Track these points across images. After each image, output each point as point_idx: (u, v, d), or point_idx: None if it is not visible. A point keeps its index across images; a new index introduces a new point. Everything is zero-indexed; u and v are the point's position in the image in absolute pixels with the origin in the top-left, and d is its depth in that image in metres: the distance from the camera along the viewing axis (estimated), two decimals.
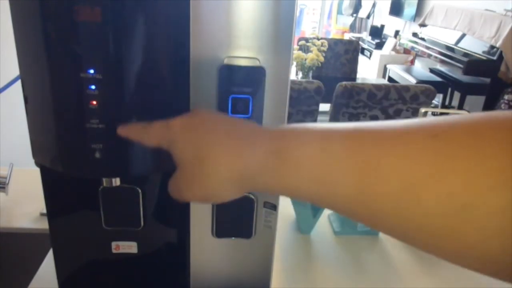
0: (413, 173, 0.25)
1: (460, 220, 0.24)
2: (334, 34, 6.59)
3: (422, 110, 0.71)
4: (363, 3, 6.19)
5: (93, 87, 0.36)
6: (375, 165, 0.27)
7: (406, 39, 4.46)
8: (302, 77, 2.62)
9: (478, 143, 0.24)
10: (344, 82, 1.87)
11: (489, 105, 3.17)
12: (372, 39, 5.44)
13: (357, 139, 0.29)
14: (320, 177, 0.29)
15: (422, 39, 4.10)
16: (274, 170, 0.32)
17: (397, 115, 1.94)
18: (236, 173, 0.33)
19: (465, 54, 3.35)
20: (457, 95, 3.76)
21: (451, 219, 0.24)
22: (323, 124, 0.32)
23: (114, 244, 0.52)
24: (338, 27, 6.71)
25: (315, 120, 1.96)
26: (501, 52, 3.00)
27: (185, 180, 0.36)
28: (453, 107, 3.91)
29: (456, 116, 0.27)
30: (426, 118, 0.28)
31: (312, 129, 0.31)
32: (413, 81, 3.83)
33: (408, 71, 4.24)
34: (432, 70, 4.18)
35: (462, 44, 3.49)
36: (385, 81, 3.81)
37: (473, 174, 0.23)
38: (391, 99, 1.88)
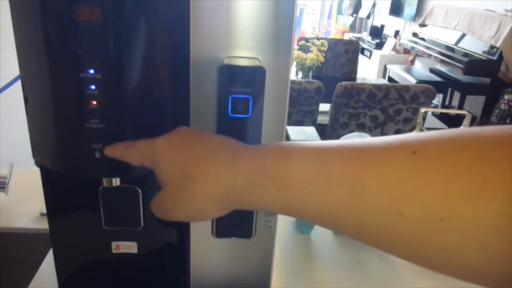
0: (395, 188, 0.27)
1: (441, 231, 0.25)
2: (334, 34, 6.60)
3: (422, 110, 0.71)
4: (363, 3, 6.18)
5: (93, 87, 0.36)
6: (361, 181, 0.28)
7: (406, 39, 4.46)
8: (302, 77, 2.62)
9: (455, 158, 0.25)
10: (344, 82, 1.87)
11: (489, 105, 3.17)
12: (372, 39, 5.44)
13: (342, 156, 0.30)
14: (308, 194, 0.30)
15: (422, 39, 4.10)
16: (260, 188, 0.32)
17: (397, 115, 1.94)
18: (222, 192, 0.34)
19: (465, 54, 3.35)
20: (457, 95, 3.77)
21: (432, 230, 0.25)
22: (310, 143, 0.32)
23: (114, 244, 0.52)
24: (338, 27, 6.71)
25: (315, 120, 1.96)
26: (501, 52, 3.00)
27: (170, 200, 0.36)
28: (453, 107, 3.91)
29: (434, 132, 0.28)
30: (407, 135, 0.30)
31: (299, 147, 0.32)
32: (413, 81, 3.83)
33: (408, 71, 4.24)
34: (432, 70, 4.18)
35: (462, 44, 3.49)
36: (385, 81, 3.81)
37: (450, 187, 0.25)
38: (391, 99, 1.88)
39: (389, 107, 1.91)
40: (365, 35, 5.81)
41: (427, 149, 0.27)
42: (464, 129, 0.27)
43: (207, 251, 0.52)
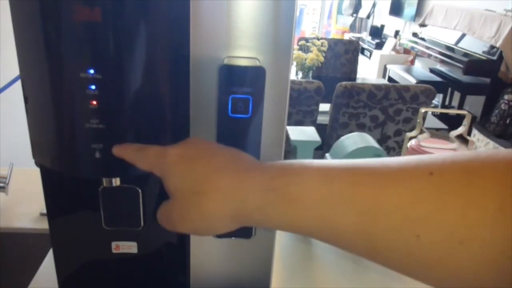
0: (412, 209, 0.27)
1: (458, 253, 0.25)
2: (334, 34, 6.60)
3: (422, 110, 0.71)
4: (363, 3, 6.19)
5: (93, 87, 0.36)
6: (376, 202, 0.28)
7: (406, 39, 4.46)
8: (302, 77, 2.62)
9: (473, 181, 0.25)
10: (344, 82, 1.87)
11: (489, 105, 3.17)
12: (372, 39, 5.44)
13: (357, 177, 0.30)
14: (321, 214, 0.30)
15: (422, 39, 4.10)
16: (273, 206, 0.32)
17: (397, 115, 1.94)
18: (232, 208, 0.33)
19: (465, 54, 3.35)
20: (457, 95, 3.77)
21: (449, 252, 0.26)
22: (320, 161, 0.32)
23: (114, 244, 0.52)
24: (338, 27, 6.71)
25: (315, 120, 1.96)
26: (501, 52, 3.00)
27: (178, 212, 0.36)
28: (453, 107, 3.91)
29: (449, 154, 0.28)
30: (422, 156, 0.29)
31: (311, 166, 0.32)
32: (413, 81, 3.83)
33: (408, 71, 4.25)
34: (432, 70, 4.18)
35: (462, 44, 3.49)
36: (385, 81, 3.81)
37: (467, 210, 0.25)
38: (391, 99, 1.88)
39: (389, 107, 1.91)
40: (365, 35, 5.81)
41: (443, 171, 0.27)
42: (480, 152, 0.27)
43: (207, 251, 0.51)
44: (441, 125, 2.47)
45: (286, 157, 0.48)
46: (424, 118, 0.72)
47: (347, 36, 6.17)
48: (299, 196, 0.31)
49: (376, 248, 0.29)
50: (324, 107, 2.16)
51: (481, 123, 3.20)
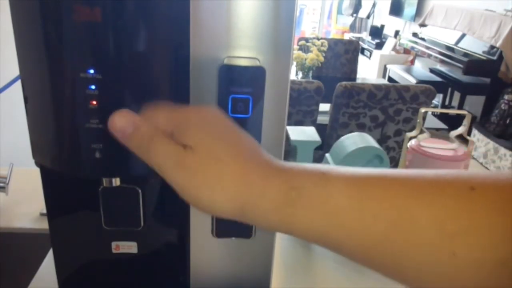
0: (450, 224, 0.25)
1: (496, 274, 0.24)
2: (334, 34, 6.60)
3: (422, 110, 0.71)
4: (363, 3, 6.19)
5: (93, 87, 0.36)
6: (409, 215, 0.26)
7: (406, 39, 4.47)
8: (302, 77, 2.62)
9: None
10: (344, 82, 1.87)
11: (489, 105, 3.17)
12: (372, 39, 5.44)
13: (388, 184, 0.27)
14: (343, 221, 0.27)
15: (422, 39, 4.10)
16: (291, 207, 0.28)
17: (397, 115, 1.94)
18: (244, 198, 0.30)
19: (465, 54, 3.35)
20: (457, 95, 3.77)
21: (486, 273, 0.24)
22: (346, 168, 0.29)
23: (114, 244, 0.52)
24: (338, 27, 6.71)
25: (315, 120, 1.96)
26: (501, 52, 3.00)
27: (189, 164, 0.30)
28: (453, 107, 3.91)
29: (490, 171, 0.27)
30: (460, 171, 0.28)
31: (337, 170, 0.29)
32: (413, 81, 3.83)
33: (408, 71, 4.25)
34: (432, 70, 4.18)
35: (462, 44, 3.49)
36: (385, 81, 3.81)
37: (509, 229, 0.23)
38: (391, 99, 1.88)
39: (389, 107, 1.91)
40: (365, 35, 5.81)
41: (486, 187, 0.25)
42: None
43: (207, 251, 0.51)
44: (441, 125, 2.47)
45: (286, 157, 0.48)
46: (424, 118, 0.72)
47: (347, 36, 6.17)
48: (325, 200, 0.28)
49: (402, 264, 0.26)
50: (324, 107, 2.16)
51: (481, 123, 3.20)
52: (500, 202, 0.24)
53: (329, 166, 0.30)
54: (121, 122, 0.31)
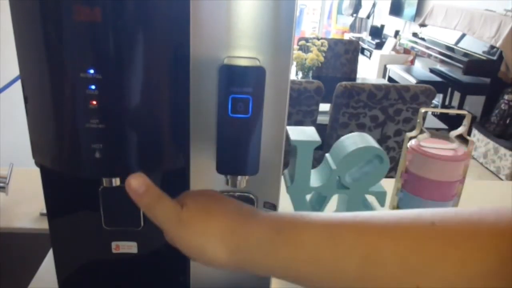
0: (412, 260, 0.27)
1: None
2: (334, 34, 6.60)
3: (422, 110, 0.71)
4: (363, 3, 6.19)
5: (93, 87, 0.36)
6: (377, 249, 0.28)
7: (406, 39, 4.47)
8: (302, 77, 2.62)
9: (474, 233, 0.26)
10: (344, 82, 1.87)
11: (489, 105, 3.17)
12: (372, 39, 5.44)
13: (358, 224, 0.30)
14: (318, 258, 0.30)
15: (422, 39, 4.11)
16: (274, 245, 0.32)
17: (397, 115, 1.94)
18: (234, 240, 0.34)
19: (465, 54, 3.35)
20: (457, 95, 3.77)
21: None
22: (322, 214, 0.33)
23: (114, 244, 0.52)
24: (338, 27, 6.71)
25: (315, 120, 1.96)
26: (501, 52, 3.00)
27: (183, 220, 0.37)
28: (453, 107, 3.91)
29: (451, 208, 0.29)
30: (425, 209, 0.30)
31: (313, 214, 0.33)
32: (413, 81, 3.83)
33: (408, 71, 4.25)
34: (432, 70, 4.18)
35: (462, 44, 3.49)
36: (385, 81, 3.81)
37: (468, 262, 0.25)
38: (391, 99, 1.88)
39: (389, 107, 1.91)
40: (365, 35, 5.82)
41: (445, 222, 0.27)
42: (483, 206, 0.27)
43: None
44: (441, 125, 2.48)
45: (286, 157, 0.49)
46: (424, 118, 0.72)
47: (347, 36, 6.17)
48: (302, 237, 0.31)
49: None
50: (324, 107, 2.16)
51: (481, 123, 3.20)
52: (456, 236, 0.26)
53: (306, 212, 0.34)
54: (136, 183, 0.36)
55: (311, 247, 0.31)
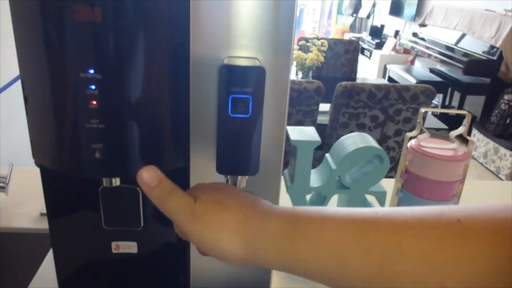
0: (437, 258, 0.26)
1: None
2: (334, 34, 6.60)
3: (422, 110, 0.71)
4: (363, 3, 6.19)
5: (93, 87, 0.36)
6: (399, 246, 0.27)
7: (406, 39, 4.47)
8: (302, 77, 2.62)
9: (501, 230, 0.25)
10: (344, 82, 1.87)
11: (489, 105, 3.17)
12: (372, 39, 5.44)
13: (378, 221, 0.29)
14: (341, 256, 0.29)
15: (422, 39, 4.11)
16: (288, 238, 0.31)
17: (397, 115, 1.94)
18: (248, 233, 0.33)
19: (465, 54, 3.35)
20: (457, 95, 3.77)
21: None
22: (339, 209, 0.32)
23: (114, 244, 0.52)
24: (338, 27, 6.71)
25: (315, 120, 1.96)
26: (501, 52, 3.00)
27: (197, 213, 0.35)
28: (453, 107, 3.91)
29: (476, 204, 0.27)
30: (448, 206, 0.28)
31: (330, 208, 0.32)
32: (413, 81, 3.83)
33: (408, 71, 4.25)
34: (432, 70, 4.18)
35: (462, 44, 3.49)
36: (385, 81, 3.81)
37: (494, 260, 0.24)
38: (391, 99, 1.88)
39: (389, 107, 1.91)
40: (365, 35, 5.81)
41: (471, 219, 0.26)
42: (507, 204, 0.26)
43: None
44: (441, 125, 2.48)
45: (286, 157, 0.49)
46: (424, 118, 0.72)
47: (347, 36, 6.17)
48: (320, 232, 0.30)
49: None
50: (324, 107, 2.16)
51: (481, 123, 3.20)
52: (484, 233, 0.25)
53: (322, 207, 0.33)
54: (147, 176, 0.36)
55: (330, 244, 0.29)
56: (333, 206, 0.79)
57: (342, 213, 0.31)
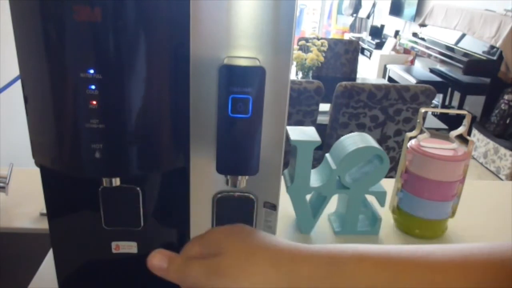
0: None
1: None
2: (334, 34, 6.60)
3: (422, 110, 0.71)
4: (363, 3, 6.19)
5: (93, 87, 0.36)
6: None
7: (406, 39, 4.47)
8: (302, 77, 2.62)
9: None
10: (344, 82, 1.87)
11: (489, 105, 3.17)
12: (372, 39, 5.44)
13: (418, 264, 0.29)
14: None
15: (422, 39, 4.11)
16: (330, 278, 0.30)
17: (397, 115, 1.94)
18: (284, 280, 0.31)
19: (465, 54, 3.35)
20: (457, 95, 3.77)
21: None
22: (371, 246, 0.31)
23: (114, 244, 0.52)
24: (338, 27, 6.71)
25: (315, 120, 1.96)
26: (501, 52, 3.01)
27: (225, 267, 0.33)
28: (453, 107, 3.92)
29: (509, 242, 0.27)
30: (483, 244, 0.28)
31: (367, 248, 0.31)
32: (413, 81, 3.83)
33: (408, 71, 4.25)
34: (432, 70, 4.18)
35: (462, 44, 3.49)
36: (385, 81, 3.81)
37: None
38: (391, 99, 1.88)
39: (389, 107, 1.91)
40: (365, 35, 5.81)
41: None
42: None
43: None
44: (441, 125, 2.48)
45: (286, 157, 0.48)
46: (424, 118, 0.72)
47: (347, 36, 6.17)
48: (360, 271, 0.29)
49: None
50: (324, 107, 2.16)
51: (481, 123, 3.20)
52: None
53: (353, 246, 0.32)
54: (157, 260, 0.35)
55: (370, 284, 0.29)
56: (333, 206, 0.79)
57: (378, 251, 0.30)
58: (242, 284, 0.31)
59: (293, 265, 0.31)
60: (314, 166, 0.69)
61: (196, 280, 0.33)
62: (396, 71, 4.36)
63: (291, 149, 0.66)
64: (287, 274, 0.31)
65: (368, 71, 5.11)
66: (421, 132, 0.73)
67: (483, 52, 3.23)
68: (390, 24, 5.33)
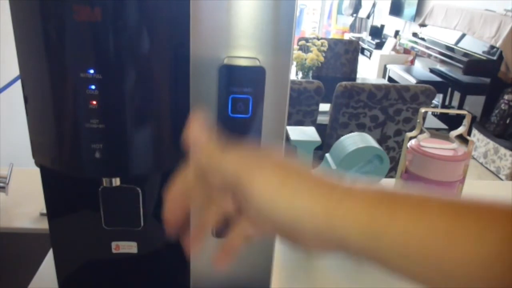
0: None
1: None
2: (334, 34, 6.60)
3: (422, 110, 0.71)
4: (363, 3, 6.19)
5: (93, 87, 0.36)
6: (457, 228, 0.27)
7: (406, 39, 4.47)
8: (302, 77, 2.62)
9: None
10: (344, 82, 1.87)
11: (489, 105, 3.17)
12: (372, 39, 5.44)
13: (439, 204, 0.29)
14: (410, 234, 0.28)
15: (422, 39, 4.11)
16: (386, 207, 0.30)
17: (397, 115, 1.94)
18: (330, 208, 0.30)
19: (465, 54, 3.35)
20: (457, 95, 3.77)
21: None
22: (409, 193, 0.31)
23: (114, 244, 0.52)
24: (338, 27, 6.71)
25: (315, 120, 1.96)
26: (501, 52, 3.01)
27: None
28: (453, 107, 3.92)
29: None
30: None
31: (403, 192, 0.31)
32: (413, 81, 3.83)
33: (408, 71, 4.25)
34: (432, 70, 4.18)
35: (462, 44, 3.49)
36: (385, 81, 3.81)
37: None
38: (391, 99, 1.88)
39: (389, 107, 1.91)
40: (365, 35, 5.81)
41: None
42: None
43: (207, 251, 0.51)
44: (441, 125, 2.48)
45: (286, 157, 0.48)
46: (424, 118, 0.72)
47: (347, 36, 6.17)
48: (396, 212, 0.29)
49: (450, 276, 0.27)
50: (324, 107, 2.16)
51: (481, 123, 3.20)
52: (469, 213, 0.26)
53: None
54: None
55: (403, 222, 0.28)
56: None
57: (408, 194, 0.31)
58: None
59: (333, 192, 0.30)
60: (314, 166, 0.69)
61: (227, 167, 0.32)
62: (396, 71, 4.35)
63: (291, 149, 0.66)
64: (324, 197, 0.30)
65: (368, 71, 5.11)
66: (421, 132, 0.73)
67: (483, 52, 3.23)
68: (390, 24, 5.33)
